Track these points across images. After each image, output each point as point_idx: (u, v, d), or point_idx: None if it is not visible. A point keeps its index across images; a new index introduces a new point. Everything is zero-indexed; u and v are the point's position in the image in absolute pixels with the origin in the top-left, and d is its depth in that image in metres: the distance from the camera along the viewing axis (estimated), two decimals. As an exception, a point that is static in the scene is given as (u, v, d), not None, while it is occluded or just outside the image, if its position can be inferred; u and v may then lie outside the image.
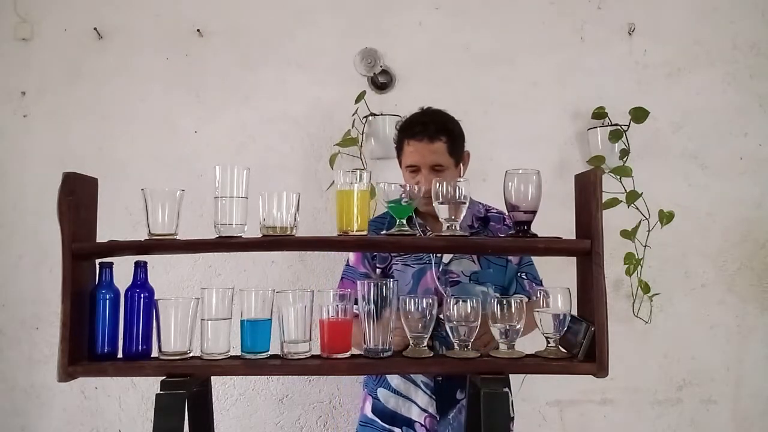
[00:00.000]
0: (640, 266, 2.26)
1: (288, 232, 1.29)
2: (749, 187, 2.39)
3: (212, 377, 1.40)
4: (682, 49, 2.43)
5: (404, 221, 1.34)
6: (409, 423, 1.70)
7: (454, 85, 2.39)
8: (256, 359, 1.28)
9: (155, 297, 1.30)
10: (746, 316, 2.37)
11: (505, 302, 1.29)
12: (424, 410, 1.69)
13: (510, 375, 1.54)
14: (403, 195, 1.34)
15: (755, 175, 2.40)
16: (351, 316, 1.32)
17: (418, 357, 1.29)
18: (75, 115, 2.41)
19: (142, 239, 1.29)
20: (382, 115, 2.30)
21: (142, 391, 2.34)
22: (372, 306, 1.29)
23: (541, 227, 1.32)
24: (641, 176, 2.26)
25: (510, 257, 1.76)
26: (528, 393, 2.30)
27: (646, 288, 2.28)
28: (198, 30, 2.42)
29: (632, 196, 2.23)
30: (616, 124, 2.29)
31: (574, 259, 1.37)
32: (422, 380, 1.70)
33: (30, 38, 2.43)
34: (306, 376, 2.29)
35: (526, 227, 1.31)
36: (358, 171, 1.32)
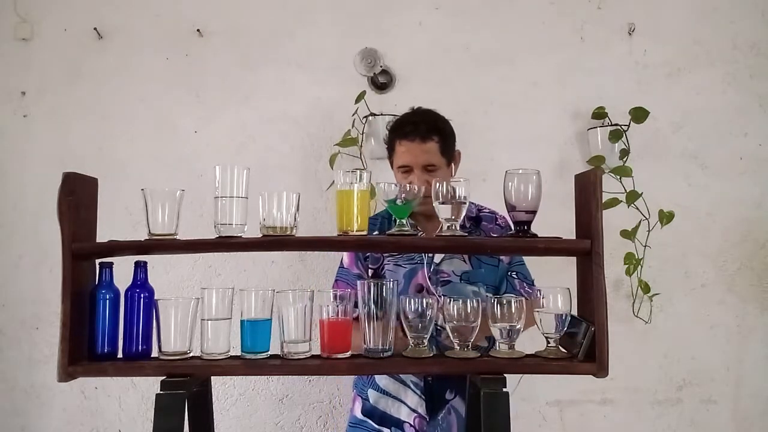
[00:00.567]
0: (640, 266, 2.26)
1: (288, 232, 1.29)
2: (749, 187, 2.39)
3: (212, 377, 1.41)
4: (682, 49, 2.43)
5: (404, 221, 1.34)
6: (398, 424, 1.70)
7: (454, 85, 2.39)
8: (256, 359, 1.28)
9: (155, 297, 1.30)
10: (746, 316, 2.37)
11: (505, 302, 1.29)
12: (414, 410, 1.69)
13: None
14: (403, 195, 1.33)
15: (755, 175, 2.40)
16: (351, 319, 1.31)
17: (418, 357, 1.29)
18: (75, 115, 2.41)
19: (142, 239, 1.29)
20: (382, 115, 2.30)
21: (142, 391, 2.34)
22: (372, 306, 1.29)
23: (541, 227, 1.32)
24: (641, 176, 2.26)
25: (501, 257, 1.75)
26: (528, 393, 2.31)
27: (646, 288, 2.28)
28: (198, 30, 2.42)
29: (632, 196, 2.23)
30: (616, 124, 2.29)
31: (574, 259, 1.37)
32: (412, 380, 1.70)
33: (30, 38, 2.43)
34: (306, 376, 2.29)
35: (526, 227, 1.31)
36: (358, 171, 1.32)
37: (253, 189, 1.30)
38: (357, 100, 2.27)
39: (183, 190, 1.31)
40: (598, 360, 1.24)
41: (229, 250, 1.41)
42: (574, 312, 1.32)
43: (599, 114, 2.33)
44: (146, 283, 1.31)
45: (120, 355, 1.30)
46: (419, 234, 1.69)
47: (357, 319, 1.33)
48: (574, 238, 1.34)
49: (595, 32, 2.43)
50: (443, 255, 1.72)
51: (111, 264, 1.31)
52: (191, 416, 1.31)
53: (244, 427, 2.35)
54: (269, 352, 1.30)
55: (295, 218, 1.30)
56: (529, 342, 1.40)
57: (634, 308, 2.32)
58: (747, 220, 2.39)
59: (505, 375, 1.25)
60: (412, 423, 1.69)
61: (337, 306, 1.30)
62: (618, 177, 2.24)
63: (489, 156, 2.27)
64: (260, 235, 1.29)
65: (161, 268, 2.28)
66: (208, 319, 1.28)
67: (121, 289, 1.30)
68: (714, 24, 2.43)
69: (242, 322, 1.29)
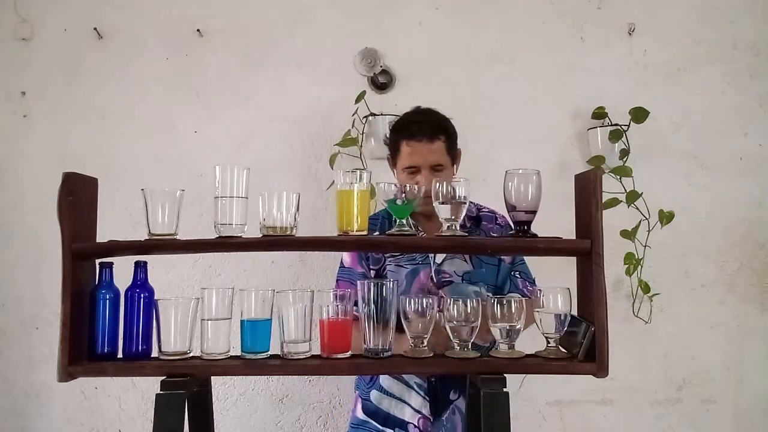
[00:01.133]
0: (640, 266, 2.26)
1: (288, 232, 1.29)
2: (749, 187, 2.39)
3: (212, 377, 1.41)
4: (682, 49, 2.43)
5: (404, 221, 1.34)
6: (402, 424, 1.69)
7: (454, 85, 2.39)
8: (256, 359, 1.28)
9: (155, 297, 1.30)
10: (746, 316, 2.37)
11: (505, 302, 1.29)
12: (418, 411, 1.69)
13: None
14: (403, 195, 1.33)
15: (755, 175, 2.40)
16: (351, 319, 1.31)
17: (418, 357, 1.29)
18: (75, 115, 2.41)
19: (142, 239, 1.29)
20: (382, 115, 2.30)
21: (142, 391, 2.34)
22: (372, 306, 1.29)
23: (541, 227, 1.31)
24: (641, 176, 2.26)
25: (503, 257, 1.75)
26: (528, 393, 2.31)
27: (646, 288, 2.28)
28: (198, 30, 2.42)
29: (632, 196, 2.23)
30: (616, 124, 2.29)
31: (574, 259, 1.37)
32: (416, 381, 1.70)
33: (30, 38, 2.43)
34: (306, 376, 2.29)
35: (526, 227, 1.31)
36: (358, 171, 1.32)
37: (253, 189, 1.30)
38: (357, 100, 2.27)
39: (183, 190, 1.31)
40: (598, 360, 1.24)
41: (229, 250, 1.41)
42: (574, 312, 1.32)
43: (599, 114, 2.33)
44: (146, 283, 1.31)
45: (120, 355, 1.30)
46: (419, 234, 1.69)
47: (357, 319, 1.33)
48: (574, 238, 1.34)
49: (595, 32, 2.43)
50: (444, 255, 1.71)
51: (111, 264, 1.31)
52: (191, 416, 1.31)
53: (244, 427, 2.35)
54: (269, 352, 1.30)
55: (295, 218, 1.30)
56: (530, 342, 1.40)
57: (634, 308, 2.32)
58: (747, 220, 2.39)
59: (505, 375, 1.25)
60: (416, 424, 1.68)
61: (337, 306, 1.30)
62: (618, 177, 2.24)
63: (489, 156, 2.27)
64: (260, 235, 1.29)
65: (161, 268, 2.27)
66: (208, 319, 1.28)
67: (121, 289, 1.30)
68: (714, 24, 2.43)
69: (242, 322, 1.29)
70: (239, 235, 1.29)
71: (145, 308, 1.29)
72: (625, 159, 2.29)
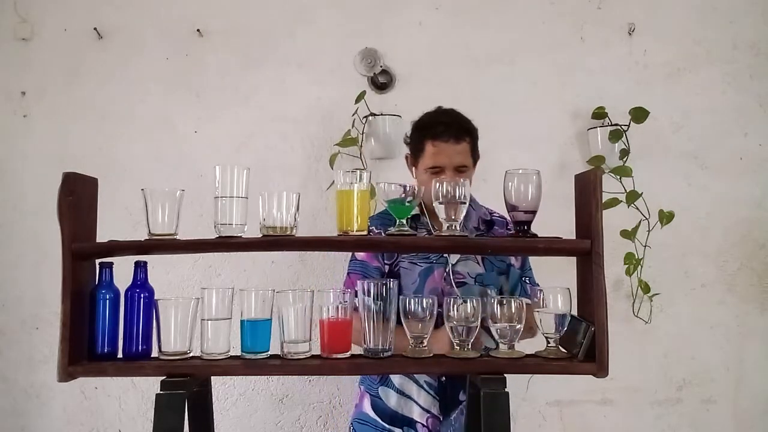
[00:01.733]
0: (640, 266, 2.26)
1: (288, 232, 1.29)
2: (749, 187, 2.39)
3: (212, 377, 1.40)
4: (682, 49, 2.43)
5: (404, 221, 1.34)
6: (410, 423, 1.69)
7: (454, 85, 2.38)
8: (256, 359, 1.28)
9: (155, 297, 1.30)
10: (746, 316, 2.37)
11: (505, 302, 1.29)
12: (427, 410, 1.69)
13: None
14: (407, 195, 1.33)
15: (755, 175, 2.40)
16: (351, 311, 1.31)
17: (418, 357, 1.29)
18: (75, 115, 2.41)
19: (142, 239, 1.29)
20: (382, 115, 2.30)
21: (142, 391, 2.34)
22: (372, 306, 1.29)
23: (541, 227, 1.31)
24: (641, 176, 2.26)
25: (513, 262, 1.76)
26: (528, 393, 2.31)
27: (646, 288, 2.28)
28: (198, 30, 2.42)
29: (632, 196, 2.23)
30: (616, 124, 2.29)
31: (574, 259, 1.36)
32: (425, 380, 1.70)
33: (30, 38, 2.43)
34: (306, 376, 2.29)
35: (526, 227, 1.31)
36: (358, 171, 1.31)
37: (253, 189, 1.30)
38: (357, 100, 2.27)
39: (183, 190, 1.31)
40: (598, 360, 1.24)
41: (229, 250, 1.40)
42: (574, 312, 1.32)
43: (599, 114, 2.33)
44: (146, 283, 1.31)
45: (120, 355, 1.30)
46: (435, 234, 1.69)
47: (356, 310, 1.32)
48: (574, 238, 1.34)
49: (595, 32, 2.43)
50: (458, 256, 1.71)
51: (111, 264, 1.31)
52: (191, 416, 1.31)
53: (244, 427, 2.35)
54: (269, 352, 1.30)
55: (295, 218, 1.30)
56: (529, 342, 1.40)
57: (634, 308, 2.32)
58: (747, 220, 2.39)
59: (505, 375, 1.25)
60: (425, 423, 1.68)
61: (338, 306, 1.30)
62: (618, 177, 2.24)
63: (489, 156, 2.26)
64: (260, 235, 1.29)
65: (161, 268, 2.27)
66: (208, 319, 1.28)
67: (121, 289, 1.30)
68: (714, 24, 2.43)
69: (242, 322, 1.29)
70: (239, 235, 1.29)
71: (145, 308, 1.29)
72: (625, 159, 2.29)
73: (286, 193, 1.28)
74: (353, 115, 2.30)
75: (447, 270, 1.70)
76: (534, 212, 1.31)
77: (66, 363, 1.23)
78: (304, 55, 2.43)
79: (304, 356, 1.29)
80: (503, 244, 1.43)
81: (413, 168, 1.78)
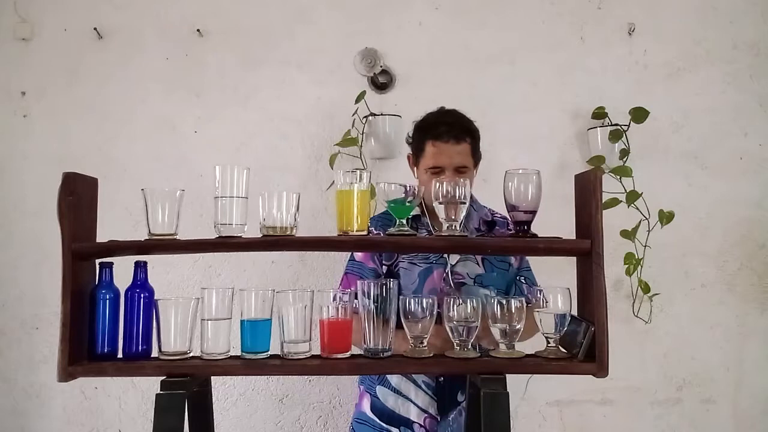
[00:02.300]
0: (640, 266, 2.26)
1: (288, 232, 1.29)
2: (749, 187, 2.39)
3: (212, 377, 1.40)
4: (682, 49, 2.43)
5: (404, 221, 1.34)
6: (407, 423, 1.69)
7: (454, 85, 2.38)
8: (256, 359, 1.28)
9: (155, 297, 1.30)
10: (746, 316, 2.37)
11: (504, 302, 1.29)
12: (424, 411, 1.69)
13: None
14: (407, 195, 1.33)
15: (755, 175, 2.40)
16: (351, 313, 1.31)
17: (418, 357, 1.29)
18: (75, 115, 2.41)
19: (142, 239, 1.29)
20: (382, 115, 2.30)
21: (142, 391, 2.34)
22: (372, 306, 1.29)
23: (541, 227, 1.32)
24: (641, 176, 2.26)
25: (512, 261, 1.76)
26: (528, 393, 2.31)
27: (646, 288, 2.28)
28: (198, 30, 2.42)
29: (632, 196, 2.23)
30: (616, 124, 2.29)
31: (574, 259, 1.36)
32: (423, 380, 1.70)
33: (30, 38, 2.43)
34: (306, 376, 2.29)
35: (526, 227, 1.31)
36: (358, 171, 1.31)
37: (253, 189, 1.30)
38: (357, 100, 2.27)
39: (183, 190, 1.31)
40: (598, 360, 1.24)
41: (229, 250, 1.40)
42: (574, 312, 1.32)
43: (599, 114, 2.33)
44: (146, 283, 1.31)
45: (120, 355, 1.30)
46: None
47: (357, 312, 1.32)
48: (574, 238, 1.34)
49: (595, 32, 2.43)
50: (458, 257, 1.71)
51: (111, 264, 1.31)
52: (191, 416, 1.31)
53: (244, 427, 2.35)
54: (269, 352, 1.30)
55: (295, 218, 1.30)
56: (529, 342, 1.40)
57: (634, 308, 2.32)
58: (747, 220, 2.39)
59: (505, 375, 1.25)
60: (422, 423, 1.68)
61: (337, 306, 1.30)
62: (618, 177, 2.24)
63: (489, 156, 2.26)
64: (260, 235, 1.29)
65: (161, 268, 2.27)
66: (208, 319, 1.28)
67: (121, 289, 1.30)
68: (714, 24, 2.43)
69: (242, 322, 1.29)
70: (239, 235, 1.29)
71: (145, 308, 1.29)
72: (625, 159, 2.29)
73: (286, 193, 1.28)
74: (353, 115, 2.30)
75: (446, 271, 1.70)
76: (534, 212, 1.31)
77: (66, 363, 1.23)
78: (304, 55, 2.43)
79: (304, 356, 1.29)
80: (503, 244, 1.43)
81: (414, 168, 1.78)
